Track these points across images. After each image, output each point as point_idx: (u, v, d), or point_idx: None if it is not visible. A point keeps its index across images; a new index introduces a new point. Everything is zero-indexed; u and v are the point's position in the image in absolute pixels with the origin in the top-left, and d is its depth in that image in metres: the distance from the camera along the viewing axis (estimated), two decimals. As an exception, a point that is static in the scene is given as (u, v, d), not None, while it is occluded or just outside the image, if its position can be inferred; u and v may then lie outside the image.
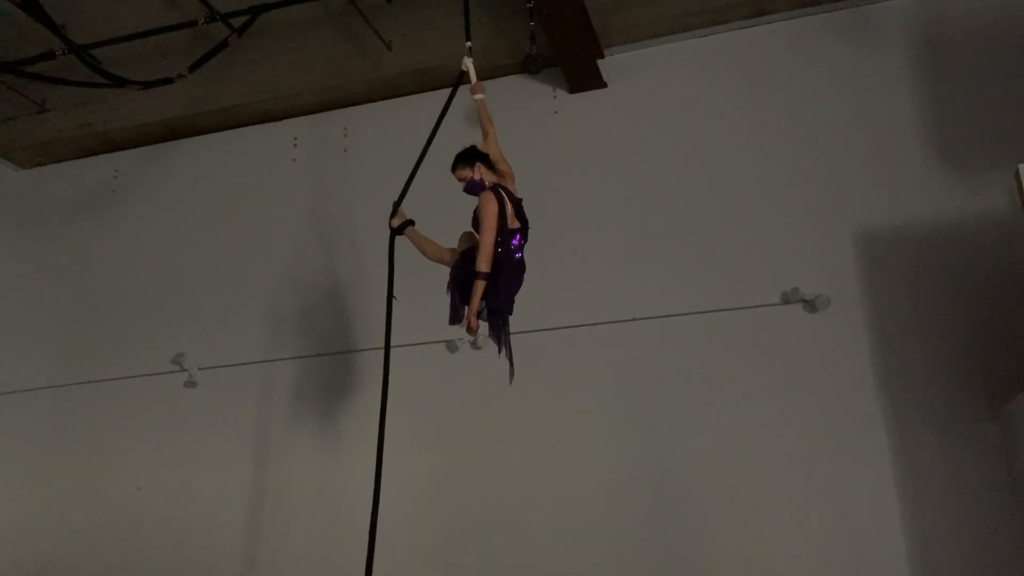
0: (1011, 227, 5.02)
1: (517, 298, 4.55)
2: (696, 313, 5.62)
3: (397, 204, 4.90)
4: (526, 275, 4.62)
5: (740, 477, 5.27)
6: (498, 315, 4.49)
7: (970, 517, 4.90)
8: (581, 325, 5.80)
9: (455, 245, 4.74)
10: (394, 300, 4.84)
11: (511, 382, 4.52)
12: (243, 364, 6.47)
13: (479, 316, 4.38)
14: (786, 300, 5.50)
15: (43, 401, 6.89)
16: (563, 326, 5.82)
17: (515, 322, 5.73)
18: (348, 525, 5.55)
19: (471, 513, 5.68)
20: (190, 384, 6.55)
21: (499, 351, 4.53)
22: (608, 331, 5.76)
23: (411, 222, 4.90)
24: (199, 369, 6.54)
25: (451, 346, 5.97)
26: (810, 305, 5.44)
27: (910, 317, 5.31)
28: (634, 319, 5.73)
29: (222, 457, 6.29)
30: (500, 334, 4.51)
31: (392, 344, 5.97)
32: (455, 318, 4.52)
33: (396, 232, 4.88)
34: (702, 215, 5.83)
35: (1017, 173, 4.28)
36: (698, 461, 5.37)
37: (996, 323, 5.14)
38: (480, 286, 4.33)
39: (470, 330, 4.39)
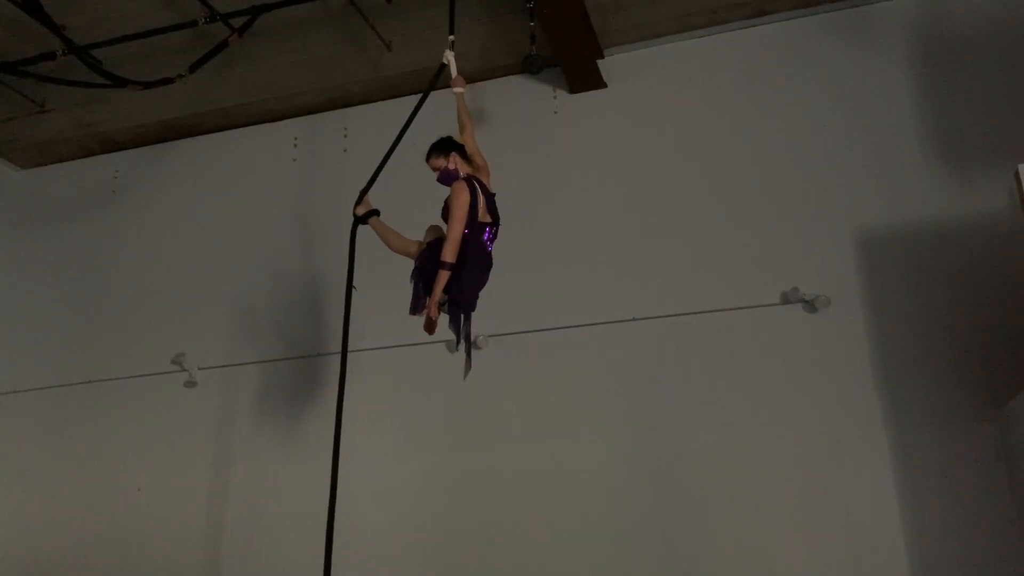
0: (1011, 227, 5.02)
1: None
2: (696, 313, 5.62)
3: (364, 192, 4.87)
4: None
5: (740, 477, 5.27)
6: (460, 308, 4.44)
7: (970, 517, 4.90)
8: (581, 325, 5.80)
9: (422, 238, 4.73)
10: (354, 290, 4.80)
11: (465, 378, 4.49)
12: (243, 364, 6.48)
13: (440, 308, 4.34)
14: (786, 300, 5.50)
15: (43, 401, 6.88)
16: (563, 326, 5.82)
17: (516, 322, 5.79)
18: (347, 525, 5.55)
19: (470, 514, 5.67)
20: (190, 384, 6.55)
21: (456, 344, 4.49)
22: (608, 331, 5.75)
23: (376, 212, 4.86)
24: (199, 369, 6.54)
25: (451, 346, 5.96)
26: (810, 305, 5.44)
27: (910, 317, 5.31)
28: (634, 319, 5.73)
29: (222, 457, 6.29)
30: (459, 327, 4.45)
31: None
32: (416, 308, 4.46)
33: (360, 221, 4.85)
34: (702, 215, 5.83)
35: (1017, 173, 4.27)
36: (698, 461, 5.37)
37: (996, 323, 5.14)
38: (444, 276, 4.28)
39: (429, 322, 4.35)
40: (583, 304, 5.84)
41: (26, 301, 7.24)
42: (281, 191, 6.85)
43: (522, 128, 6.26)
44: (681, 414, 5.48)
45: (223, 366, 6.51)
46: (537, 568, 5.44)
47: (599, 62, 6.15)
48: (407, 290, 4.74)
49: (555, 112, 6.34)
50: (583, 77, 6.19)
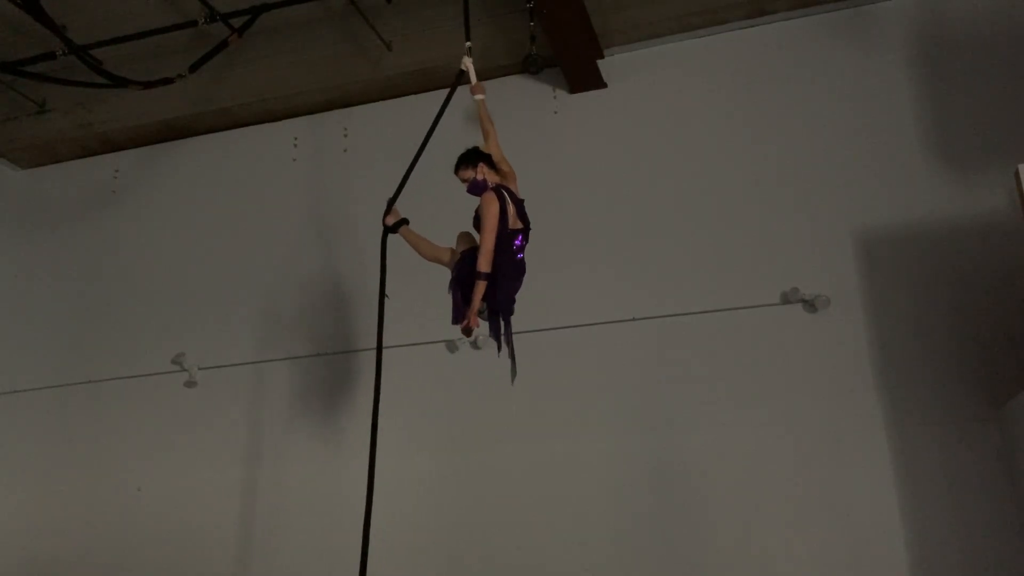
0: (1011, 227, 5.02)
1: (517, 297, 4.55)
2: (696, 313, 5.62)
3: (391, 202, 4.87)
4: (527, 274, 4.62)
5: (740, 477, 5.27)
6: (498, 315, 4.48)
7: (970, 517, 4.90)
8: (581, 325, 5.80)
9: (453, 245, 4.74)
10: (387, 299, 4.82)
11: (513, 382, 4.51)
12: (243, 364, 6.48)
13: (479, 316, 4.38)
14: (786, 300, 5.50)
15: (43, 401, 6.88)
16: (563, 326, 5.82)
17: (516, 322, 5.74)
18: (349, 524, 5.55)
19: (471, 513, 5.68)
20: (190, 384, 6.55)
21: (499, 350, 4.52)
22: (608, 331, 5.76)
23: (405, 221, 4.86)
24: (199, 369, 6.54)
25: (451, 346, 5.97)
26: (810, 305, 5.44)
27: (910, 317, 5.31)
28: (634, 319, 5.73)
29: (222, 457, 6.29)
30: (500, 334, 4.50)
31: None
32: (458, 318, 4.51)
33: (390, 230, 4.85)
34: (702, 215, 5.83)
35: (1017, 173, 4.29)
36: (698, 461, 5.37)
37: (996, 323, 5.14)
38: (481, 287, 4.33)
39: (467, 330, 4.38)
40: (583, 304, 5.84)
41: (26, 301, 7.24)
42: (281, 191, 6.84)
43: (522, 128, 6.24)
44: (681, 414, 5.48)
45: (223, 366, 6.50)
46: (537, 566, 5.45)
47: (599, 62, 6.15)
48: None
49: (555, 112, 6.35)
50: (583, 77, 6.19)
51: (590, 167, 6.16)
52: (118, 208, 7.26)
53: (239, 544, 6.07)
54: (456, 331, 4.60)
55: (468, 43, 5.02)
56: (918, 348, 5.24)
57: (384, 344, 6.01)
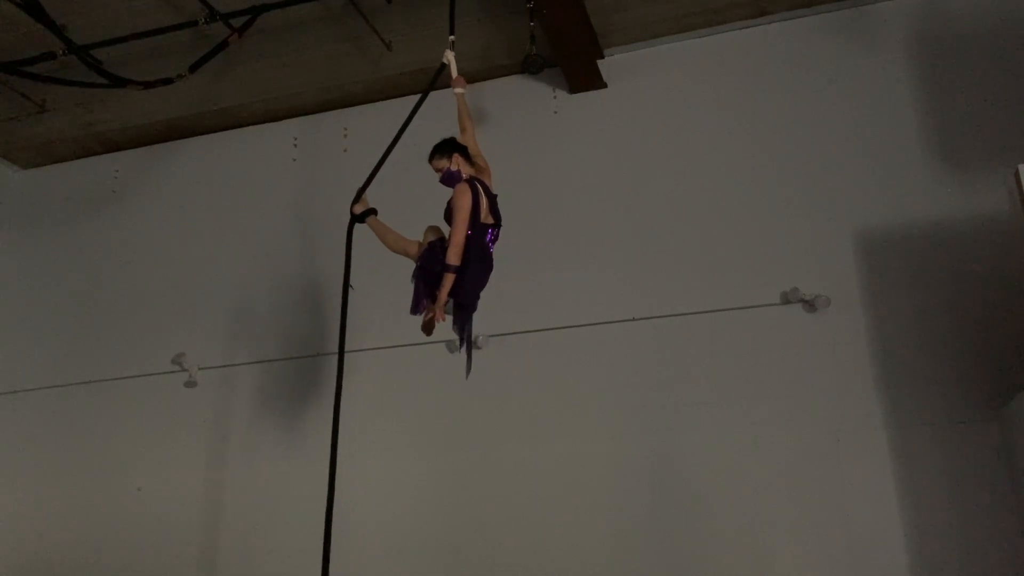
0: (1011, 227, 5.01)
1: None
2: (696, 313, 5.62)
3: (361, 191, 4.84)
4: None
5: (739, 477, 5.27)
6: (463, 310, 4.45)
7: (970, 517, 4.90)
8: (581, 325, 5.80)
9: (421, 238, 4.72)
10: (351, 289, 4.79)
11: (467, 377, 4.50)
12: (243, 364, 6.48)
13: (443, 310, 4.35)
14: (786, 300, 5.50)
15: (43, 401, 6.89)
16: (563, 326, 5.82)
17: (515, 322, 5.80)
18: (349, 524, 5.55)
19: (470, 513, 5.67)
20: (190, 384, 6.55)
21: (459, 346, 4.50)
22: (608, 331, 5.75)
23: (373, 210, 4.83)
24: (199, 369, 6.54)
25: (451, 346, 5.96)
26: (810, 305, 5.44)
27: (910, 317, 5.31)
28: (634, 319, 5.73)
29: (222, 457, 6.29)
30: (463, 329, 4.47)
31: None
32: (417, 308, 4.47)
33: (357, 219, 4.82)
34: (702, 215, 5.83)
35: (1017, 173, 4.28)
36: (697, 461, 5.37)
37: (995, 323, 5.13)
38: (449, 279, 4.29)
39: (429, 324, 4.35)
40: (583, 304, 5.84)
41: (26, 301, 7.24)
42: (281, 191, 6.85)
43: (522, 128, 6.26)
44: (681, 414, 5.48)
45: (223, 366, 6.51)
46: (536, 567, 5.44)
47: (599, 62, 6.16)
48: (408, 290, 4.75)
49: (555, 112, 6.34)
50: (583, 77, 6.19)
51: (590, 167, 6.16)
52: (118, 208, 7.26)
53: (240, 543, 6.07)
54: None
55: (452, 37, 5.05)
56: (918, 348, 5.24)
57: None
